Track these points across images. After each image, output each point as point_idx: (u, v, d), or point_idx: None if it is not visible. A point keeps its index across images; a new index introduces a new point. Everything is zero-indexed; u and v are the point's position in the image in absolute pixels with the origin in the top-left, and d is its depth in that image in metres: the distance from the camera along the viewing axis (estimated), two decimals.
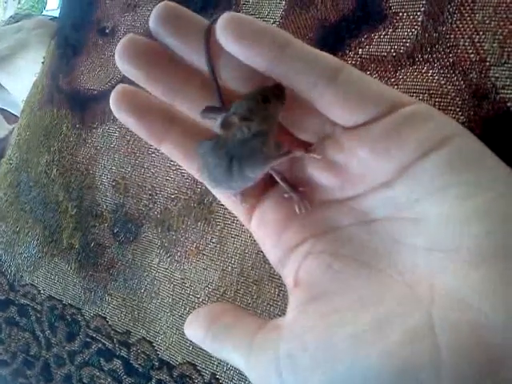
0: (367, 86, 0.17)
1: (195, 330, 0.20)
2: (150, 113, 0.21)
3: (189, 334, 0.21)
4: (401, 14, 0.28)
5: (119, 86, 0.21)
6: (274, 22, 0.33)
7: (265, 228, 0.21)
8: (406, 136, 0.16)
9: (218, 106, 0.19)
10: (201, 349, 0.31)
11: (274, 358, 0.17)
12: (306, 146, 0.19)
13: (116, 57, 0.19)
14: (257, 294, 0.30)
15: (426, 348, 0.14)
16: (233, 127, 0.18)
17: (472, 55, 0.25)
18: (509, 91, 0.24)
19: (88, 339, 0.37)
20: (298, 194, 0.19)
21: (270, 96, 0.18)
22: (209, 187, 0.21)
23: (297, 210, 0.19)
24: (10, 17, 0.89)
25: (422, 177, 0.16)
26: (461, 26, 0.26)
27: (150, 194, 0.37)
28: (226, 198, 0.22)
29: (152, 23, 0.18)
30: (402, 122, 0.16)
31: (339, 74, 0.17)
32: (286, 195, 0.20)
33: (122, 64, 0.19)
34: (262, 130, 0.18)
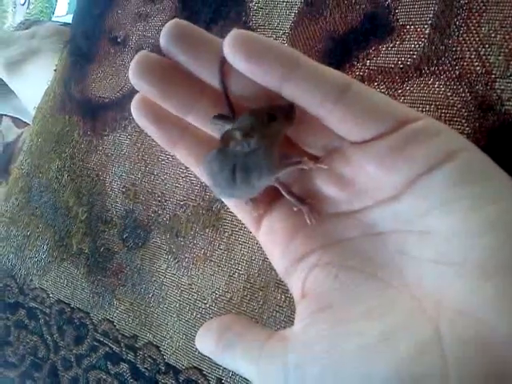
0: (375, 102, 0.17)
1: (206, 342, 0.21)
2: (168, 119, 0.21)
3: (200, 348, 0.21)
4: (408, 26, 0.28)
5: (140, 94, 0.21)
6: (283, 33, 0.33)
7: (273, 237, 0.21)
8: (414, 151, 0.17)
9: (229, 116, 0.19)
10: None
11: (283, 368, 0.17)
12: (314, 159, 0.19)
13: (130, 74, 0.19)
14: (263, 300, 0.31)
15: (434, 361, 0.14)
16: (232, 142, 0.18)
17: (478, 68, 0.26)
18: None
19: (95, 343, 0.38)
20: (307, 205, 0.19)
21: (277, 115, 0.18)
22: (216, 195, 0.21)
23: (307, 221, 0.19)
24: (20, 22, 0.90)
25: (428, 190, 0.16)
26: (467, 39, 0.26)
27: (159, 201, 0.37)
28: (235, 206, 0.22)
29: (163, 42, 0.18)
30: (409, 137, 0.17)
31: (347, 91, 0.17)
32: (294, 209, 0.20)
33: (136, 81, 0.19)
34: (262, 146, 0.18)
